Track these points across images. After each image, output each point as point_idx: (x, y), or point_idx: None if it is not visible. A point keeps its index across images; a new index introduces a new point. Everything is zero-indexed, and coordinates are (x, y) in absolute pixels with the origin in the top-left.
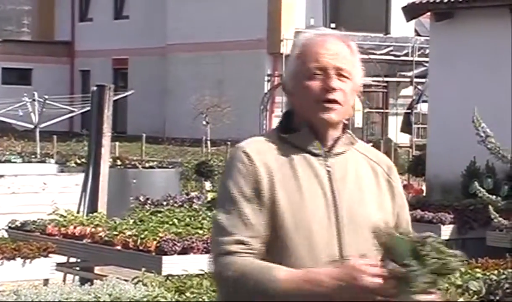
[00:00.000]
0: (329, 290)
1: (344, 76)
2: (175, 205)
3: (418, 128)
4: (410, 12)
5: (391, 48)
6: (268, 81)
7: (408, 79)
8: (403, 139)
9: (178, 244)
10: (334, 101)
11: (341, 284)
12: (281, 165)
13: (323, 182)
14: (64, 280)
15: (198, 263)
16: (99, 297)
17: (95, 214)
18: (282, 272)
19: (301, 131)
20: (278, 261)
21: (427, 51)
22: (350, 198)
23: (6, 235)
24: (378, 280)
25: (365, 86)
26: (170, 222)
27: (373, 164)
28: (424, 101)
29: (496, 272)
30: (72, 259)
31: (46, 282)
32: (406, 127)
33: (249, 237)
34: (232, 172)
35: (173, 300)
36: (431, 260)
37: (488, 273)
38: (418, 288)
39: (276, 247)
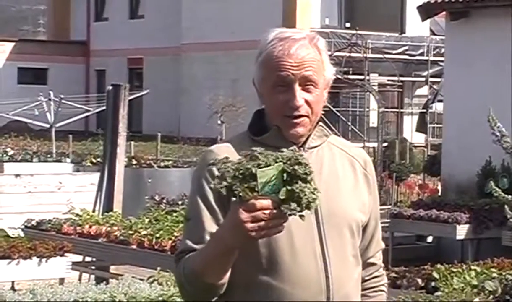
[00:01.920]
0: (228, 239)
1: (310, 85)
2: None
3: (433, 127)
4: (426, 12)
5: (406, 48)
6: None
7: (423, 79)
8: (419, 138)
9: None
10: (300, 116)
11: (234, 228)
12: None
13: None
14: (79, 279)
15: None
16: (115, 296)
17: (110, 213)
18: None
19: (272, 131)
20: (260, 259)
21: (443, 50)
22: (328, 191)
23: (22, 234)
24: (259, 213)
25: (380, 85)
26: None
27: (350, 158)
28: (439, 101)
29: None
30: (88, 258)
31: (62, 281)
32: (422, 127)
33: (199, 245)
34: (199, 179)
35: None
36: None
37: (504, 273)
38: (304, 203)
39: (256, 245)
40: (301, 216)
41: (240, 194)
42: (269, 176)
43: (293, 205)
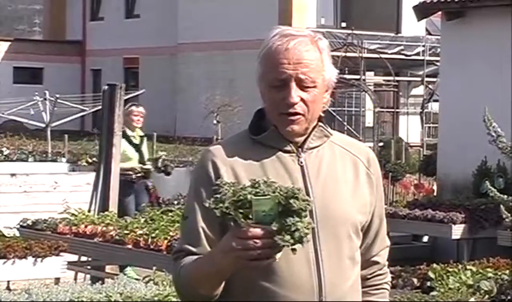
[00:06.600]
0: (220, 263)
1: (307, 84)
2: None
3: (429, 127)
4: (421, 11)
5: (402, 47)
6: None
7: (419, 79)
8: (414, 138)
9: None
10: (296, 114)
11: (225, 253)
12: (250, 167)
13: (295, 178)
14: (75, 279)
15: None
16: (110, 296)
17: (106, 213)
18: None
19: (270, 131)
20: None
21: (438, 50)
22: (325, 193)
23: (17, 234)
24: (250, 242)
25: (376, 85)
26: None
27: (353, 157)
28: (435, 101)
29: (507, 271)
30: (83, 258)
31: (57, 280)
32: None
33: (195, 247)
34: (196, 180)
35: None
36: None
37: (499, 273)
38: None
39: None
40: (293, 249)
41: (234, 219)
42: (265, 206)
43: (287, 237)
